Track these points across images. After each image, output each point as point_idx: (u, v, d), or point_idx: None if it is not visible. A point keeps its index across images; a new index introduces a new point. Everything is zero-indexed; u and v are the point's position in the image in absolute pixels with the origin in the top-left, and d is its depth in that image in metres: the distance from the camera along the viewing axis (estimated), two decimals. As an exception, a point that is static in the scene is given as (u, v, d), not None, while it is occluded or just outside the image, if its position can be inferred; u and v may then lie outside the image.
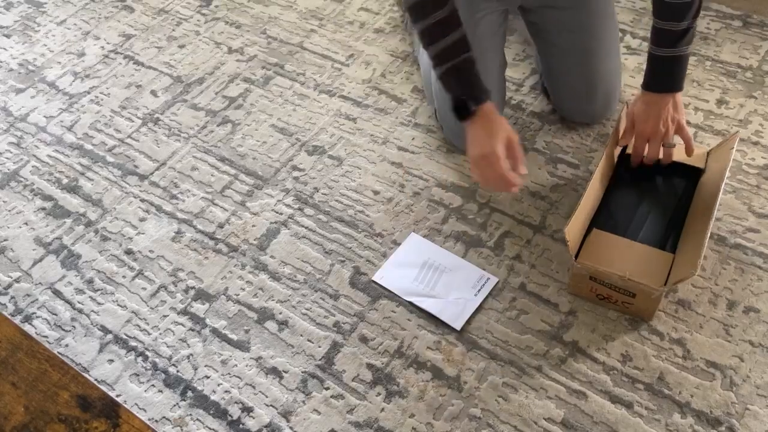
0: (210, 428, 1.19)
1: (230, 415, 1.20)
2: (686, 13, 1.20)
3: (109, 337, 1.31)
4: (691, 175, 1.37)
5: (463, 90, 1.22)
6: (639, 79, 1.65)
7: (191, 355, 1.28)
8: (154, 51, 1.86)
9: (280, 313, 1.32)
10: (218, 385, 1.24)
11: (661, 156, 1.34)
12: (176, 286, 1.38)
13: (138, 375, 1.26)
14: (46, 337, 1.32)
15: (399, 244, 1.40)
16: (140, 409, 1.22)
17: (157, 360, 1.28)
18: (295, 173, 1.55)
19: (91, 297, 1.37)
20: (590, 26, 1.42)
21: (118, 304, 1.36)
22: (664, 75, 1.28)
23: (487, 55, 1.40)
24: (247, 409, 1.21)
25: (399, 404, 1.19)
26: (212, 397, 1.22)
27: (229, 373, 1.25)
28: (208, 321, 1.32)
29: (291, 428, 1.18)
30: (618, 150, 1.41)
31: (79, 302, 1.36)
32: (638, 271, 1.20)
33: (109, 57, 1.86)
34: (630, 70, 1.67)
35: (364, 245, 1.41)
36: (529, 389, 1.20)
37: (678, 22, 1.21)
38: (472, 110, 1.20)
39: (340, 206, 1.48)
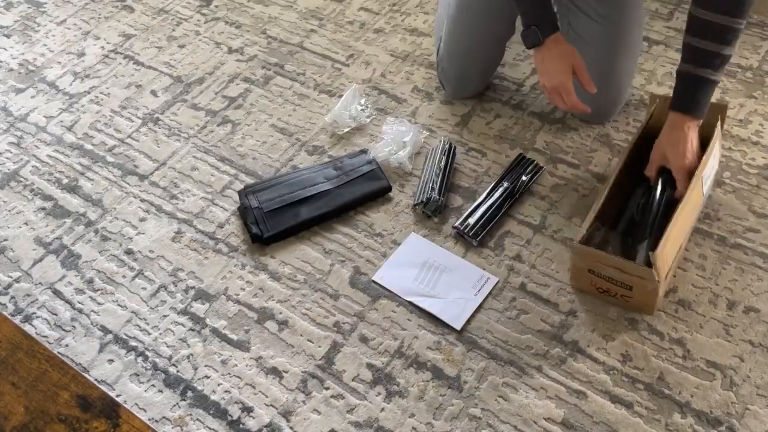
0: (210, 428, 1.19)
1: (230, 415, 1.20)
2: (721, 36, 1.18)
3: (109, 337, 1.31)
4: None
5: (534, 16, 1.32)
6: (639, 79, 1.65)
7: (191, 355, 1.28)
8: (154, 51, 1.86)
9: (280, 313, 1.32)
10: (218, 385, 1.24)
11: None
12: (176, 286, 1.38)
13: (138, 375, 1.26)
14: (46, 337, 1.32)
15: (399, 244, 1.40)
16: (140, 409, 1.22)
17: (157, 360, 1.28)
18: (295, 173, 1.55)
19: (91, 297, 1.37)
20: (618, 16, 1.42)
21: (118, 304, 1.36)
22: (697, 96, 1.25)
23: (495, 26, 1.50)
24: (247, 409, 1.21)
25: (399, 404, 1.19)
26: (212, 397, 1.22)
27: (229, 373, 1.25)
28: (208, 321, 1.32)
29: (291, 428, 1.18)
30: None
31: (79, 302, 1.36)
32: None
33: (109, 57, 1.86)
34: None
35: (364, 245, 1.41)
36: (529, 389, 1.20)
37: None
38: (541, 40, 1.31)
39: (340, 206, 1.48)
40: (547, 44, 1.32)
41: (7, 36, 1.94)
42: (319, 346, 1.27)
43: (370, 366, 1.24)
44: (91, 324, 1.33)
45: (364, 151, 1.54)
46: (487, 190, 1.45)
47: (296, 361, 1.26)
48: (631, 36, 1.46)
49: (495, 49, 1.59)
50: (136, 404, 1.22)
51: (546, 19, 1.32)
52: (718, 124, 1.31)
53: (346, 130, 1.61)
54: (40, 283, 1.40)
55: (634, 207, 1.35)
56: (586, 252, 1.21)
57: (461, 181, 1.50)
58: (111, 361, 1.28)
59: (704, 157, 1.26)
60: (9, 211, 1.53)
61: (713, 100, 1.27)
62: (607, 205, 1.28)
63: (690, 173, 1.25)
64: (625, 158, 1.32)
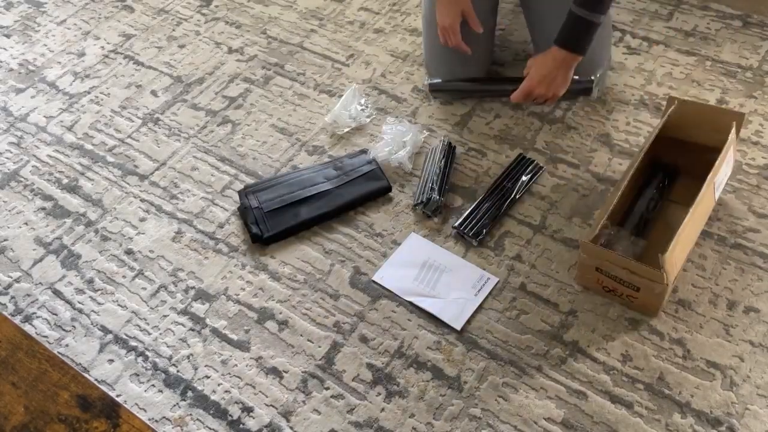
0: (210, 428, 1.19)
1: (230, 415, 1.20)
2: None
3: (109, 337, 1.31)
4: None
5: None
6: (638, 79, 1.65)
7: (191, 355, 1.28)
8: (154, 51, 1.86)
9: (280, 313, 1.32)
10: (218, 385, 1.24)
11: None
12: (176, 286, 1.38)
13: (138, 375, 1.26)
14: (46, 337, 1.32)
15: (399, 244, 1.40)
16: (140, 409, 1.22)
17: (157, 360, 1.28)
18: (295, 173, 1.55)
19: (91, 297, 1.37)
20: None
21: (118, 304, 1.36)
22: (571, 32, 1.39)
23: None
24: (247, 409, 1.21)
25: (399, 404, 1.19)
26: (212, 397, 1.22)
27: (229, 373, 1.25)
28: (208, 321, 1.32)
29: (291, 428, 1.18)
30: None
31: (79, 302, 1.36)
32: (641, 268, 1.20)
33: (109, 57, 1.86)
34: (630, 70, 1.67)
35: (364, 245, 1.41)
36: (529, 389, 1.20)
37: None
38: None
39: (340, 206, 1.48)
40: None
41: (7, 36, 1.94)
42: (319, 346, 1.27)
43: (370, 366, 1.24)
44: (91, 324, 1.33)
45: (364, 151, 1.54)
46: (487, 190, 1.45)
47: (296, 361, 1.26)
48: None
49: (478, 47, 1.57)
50: (136, 404, 1.22)
51: None
52: (733, 130, 1.31)
53: (346, 130, 1.61)
54: (40, 283, 1.40)
55: (644, 206, 1.35)
56: (596, 251, 1.21)
57: (461, 181, 1.50)
58: (111, 361, 1.28)
59: (717, 163, 1.26)
60: (9, 211, 1.53)
61: (729, 106, 1.25)
62: (616, 204, 1.28)
63: (530, 93, 1.44)
64: (640, 159, 1.32)
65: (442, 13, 1.49)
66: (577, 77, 1.49)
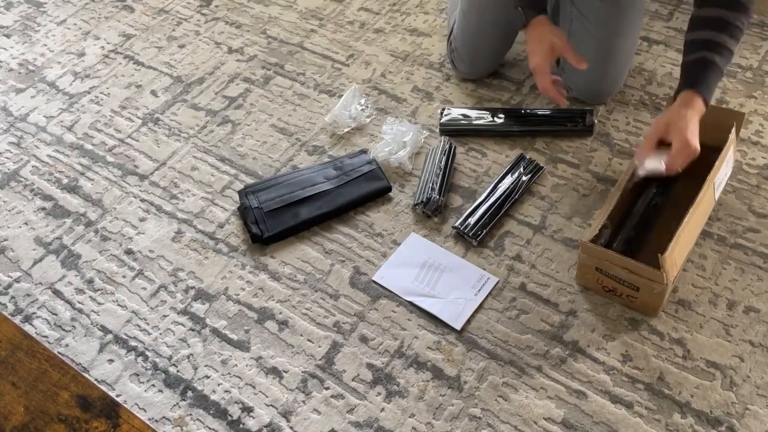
0: (210, 428, 1.19)
1: (230, 415, 1.20)
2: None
3: (109, 337, 1.31)
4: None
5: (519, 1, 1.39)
6: (639, 79, 1.65)
7: (191, 355, 1.28)
8: (154, 51, 1.86)
9: (280, 313, 1.32)
10: (218, 385, 1.24)
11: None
12: (176, 286, 1.38)
13: (138, 375, 1.26)
14: (46, 337, 1.32)
15: (399, 244, 1.40)
16: (140, 409, 1.22)
17: (157, 360, 1.28)
18: (295, 173, 1.55)
19: (91, 297, 1.37)
20: None
21: (118, 304, 1.36)
22: (704, 77, 1.26)
23: None
24: (247, 409, 1.21)
25: (399, 404, 1.19)
26: (212, 397, 1.22)
27: (229, 373, 1.25)
28: (208, 321, 1.32)
29: (291, 428, 1.18)
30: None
31: (79, 302, 1.36)
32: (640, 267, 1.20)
33: (109, 57, 1.86)
34: (630, 70, 1.67)
35: (364, 245, 1.41)
36: (529, 389, 1.20)
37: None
38: (526, 22, 1.39)
39: (340, 206, 1.48)
40: (531, 26, 1.38)
41: (7, 36, 1.94)
42: (319, 346, 1.27)
43: (370, 366, 1.24)
44: (91, 324, 1.33)
45: (364, 151, 1.54)
46: (487, 190, 1.45)
47: (296, 361, 1.26)
48: (632, 17, 1.49)
49: (508, 29, 1.60)
50: (136, 404, 1.22)
51: (531, 2, 1.38)
52: (733, 130, 1.31)
53: (346, 130, 1.61)
54: (40, 283, 1.40)
55: (643, 206, 1.35)
56: (596, 250, 1.21)
57: (461, 181, 1.50)
58: (111, 361, 1.28)
59: (717, 163, 1.26)
60: (9, 211, 1.53)
61: (729, 106, 1.25)
62: (616, 204, 1.28)
63: (689, 152, 1.22)
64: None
65: (529, 52, 1.40)
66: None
